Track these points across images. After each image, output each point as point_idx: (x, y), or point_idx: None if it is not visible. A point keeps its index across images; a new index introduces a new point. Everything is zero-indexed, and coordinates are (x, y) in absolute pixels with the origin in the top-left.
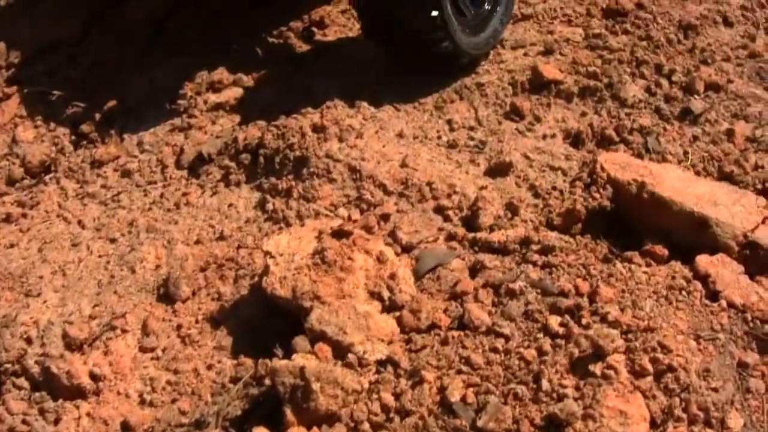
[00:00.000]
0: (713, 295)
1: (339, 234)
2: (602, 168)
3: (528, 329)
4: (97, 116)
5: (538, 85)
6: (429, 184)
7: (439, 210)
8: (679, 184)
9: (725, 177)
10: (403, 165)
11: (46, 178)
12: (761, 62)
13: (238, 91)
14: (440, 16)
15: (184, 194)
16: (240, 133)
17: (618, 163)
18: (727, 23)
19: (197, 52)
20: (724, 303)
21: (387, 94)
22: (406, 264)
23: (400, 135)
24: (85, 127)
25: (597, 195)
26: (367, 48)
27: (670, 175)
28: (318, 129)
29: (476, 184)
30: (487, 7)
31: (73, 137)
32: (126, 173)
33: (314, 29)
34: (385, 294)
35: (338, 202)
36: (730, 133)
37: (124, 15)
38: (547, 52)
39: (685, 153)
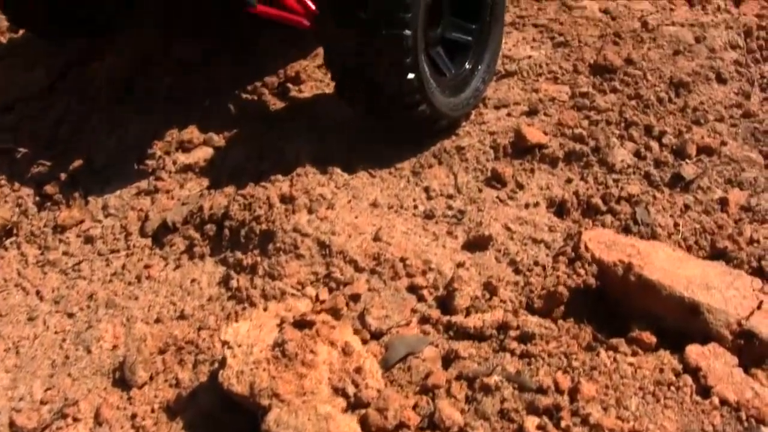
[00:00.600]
0: (705, 391)
1: (301, 324)
2: (586, 248)
3: (503, 430)
4: (63, 176)
5: (521, 149)
6: (403, 260)
7: (413, 289)
8: (668, 265)
9: (718, 253)
10: (376, 239)
11: (7, 242)
12: (756, 122)
13: (208, 152)
14: (417, 78)
15: (147, 266)
16: (206, 201)
17: (603, 242)
18: (721, 80)
19: (167, 109)
20: (716, 400)
21: (362, 157)
22: (374, 353)
23: (374, 204)
24: (49, 188)
25: (581, 271)
26: (343, 106)
27: (659, 254)
28: (286, 200)
29: (453, 259)
30: (468, 66)
31: (37, 198)
32: (89, 239)
33: (289, 85)
34: (350, 390)
35: (306, 280)
36: (723, 202)
37: (93, 71)
38: (532, 112)
39: (676, 225)
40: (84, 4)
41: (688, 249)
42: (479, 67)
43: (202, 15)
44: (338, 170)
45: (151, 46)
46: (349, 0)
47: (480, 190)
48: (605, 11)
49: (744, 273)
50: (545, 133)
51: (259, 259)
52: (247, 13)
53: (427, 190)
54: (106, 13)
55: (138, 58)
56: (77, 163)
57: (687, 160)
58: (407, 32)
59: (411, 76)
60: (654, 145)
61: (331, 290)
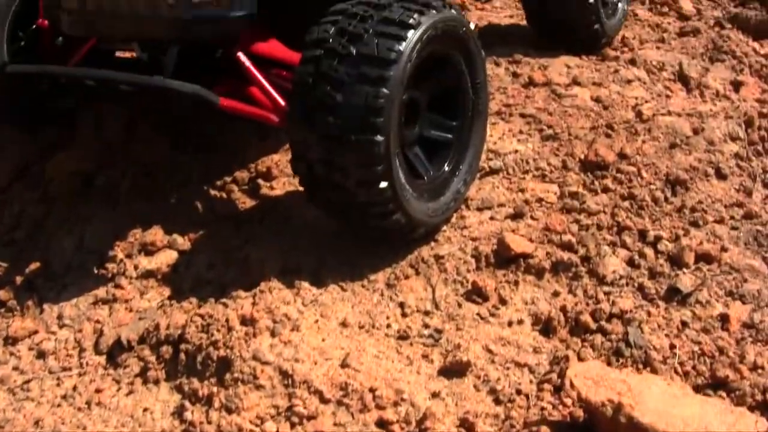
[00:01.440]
0: None
1: None
2: (572, 385)
3: None
4: (18, 280)
5: (504, 258)
6: (372, 390)
7: (382, 424)
8: (662, 404)
9: (719, 383)
10: (344, 365)
11: None
12: (759, 224)
13: (172, 256)
14: (390, 186)
15: (98, 390)
16: (164, 318)
17: (591, 378)
18: (721, 176)
19: (131, 205)
20: None
21: (333, 266)
22: None
23: (344, 324)
24: (3, 294)
25: (567, 400)
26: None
27: (652, 390)
28: (247, 321)
29: (428, 388)
30: (447, 168)
31: None
32: (41, 354)
33: (260, 181)
34: None
35: (266, 414)
36: (724, 319)
37: (52, 167)
38: (517, 215)
39: (672, 347)
40: (49, 93)
41: (686, 375)
42: (461, 167)
43: (167, 108)
44: (306, 284)
45: (115, 138)
46: (315, 100)
47: (459, 305)
48: (597, 99)
49: (746, 411)
50: (531, 241)
51: (215, 389)
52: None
53: (402, 305)
54: (69, 104)
55: (100, 151)
56: (34, 266)
57: (684, 269)
58: (379, 138)
59: (383, 184)
60: (649, 252)
61: (293, 425)
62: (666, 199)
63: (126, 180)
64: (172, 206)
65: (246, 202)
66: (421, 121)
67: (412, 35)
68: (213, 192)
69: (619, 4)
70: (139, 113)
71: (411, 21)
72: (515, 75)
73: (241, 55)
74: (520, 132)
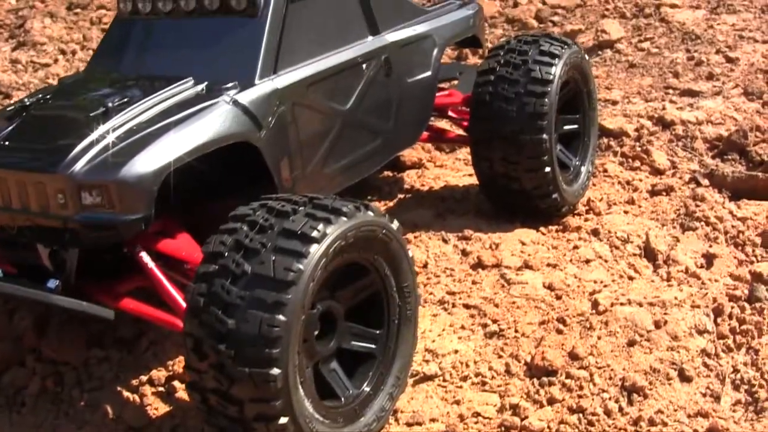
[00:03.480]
0: None
1: None
2: None
3: None
4: None
5: None
6: None
7: None
8: None
9: None
10: None
11: None
12: None
13: None
14: (292, 422)
15: None
16: None
17: None
18: (684, 378)
19: (38, 408)
20: None
21: None
22: None
23: None
24: None
25: None
26: None
27: None
28: None
29: None
30: (367, 389)
31: None
32: None
33: (176, 383)
34: None
35: None
36: None
37: None
38: None
39: None
40: None
41: None
42: (386, 381)
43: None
44: None
45: (25, 333)
46: (206, 326)
47: None
48: (550, 287)
49: None
50: None
51: None
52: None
53: None
54: None
55: (10, 347)
56: None
57: None
58: (275, 371)
59: (284, 420)
60: None
61: None
62: (621, 409)
63: (34, 380)
64: (79, 413)
65: (158, 409)
66: (338, 333)
67: (315, 250)
68: (126, 395)
69: (582, 167)
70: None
71: (314, 234)
72: (464, 254)
73: (143, 255)
74: (462, 327)
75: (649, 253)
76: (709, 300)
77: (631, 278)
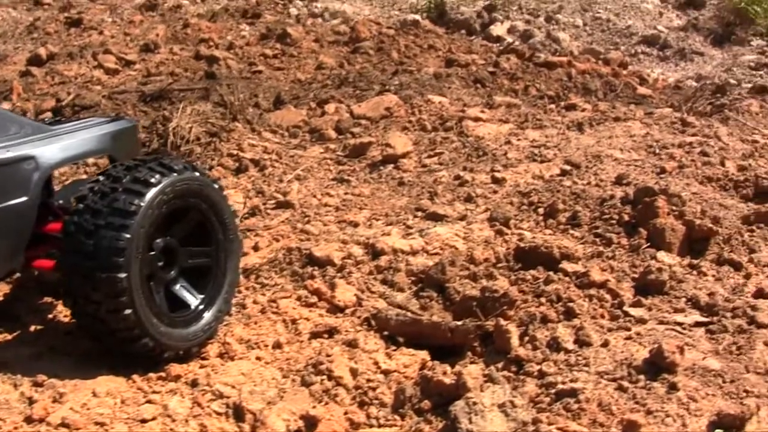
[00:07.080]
0: None
1: None
2: None
3: None
4: None
5: None
6: None
7: None
8: None
9: None
10: None
11: None
12: None
13: None
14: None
15: None
16: None
17: None
18: None
19: None
20: None
21: None
22: None
23: None
24: None
25: None
26: None
27: None
28: None
29: None
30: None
31: None
32: None
33: None
34: None
35: None
36: None
37: None
38: None
39: None
40: None
41: None
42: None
43: None
44: None
45: None
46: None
47: None
48: None
49: None
50: None
51: None
52: None
53: None
54: None
55: None
56: None
57: None
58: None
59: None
60: None
61: None
62: None
63: None
64: None
65: None
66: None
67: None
68: None
69: (209, 307)
70: None
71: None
72: (31, 402)
73: None
74: None
75: (238, 412)
76: None
77: None
